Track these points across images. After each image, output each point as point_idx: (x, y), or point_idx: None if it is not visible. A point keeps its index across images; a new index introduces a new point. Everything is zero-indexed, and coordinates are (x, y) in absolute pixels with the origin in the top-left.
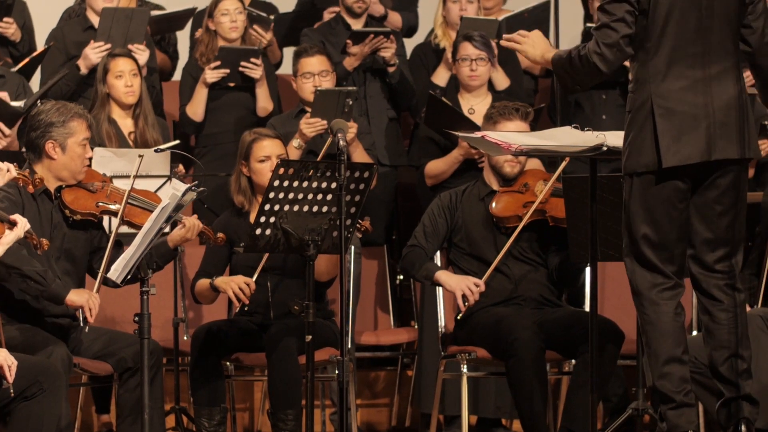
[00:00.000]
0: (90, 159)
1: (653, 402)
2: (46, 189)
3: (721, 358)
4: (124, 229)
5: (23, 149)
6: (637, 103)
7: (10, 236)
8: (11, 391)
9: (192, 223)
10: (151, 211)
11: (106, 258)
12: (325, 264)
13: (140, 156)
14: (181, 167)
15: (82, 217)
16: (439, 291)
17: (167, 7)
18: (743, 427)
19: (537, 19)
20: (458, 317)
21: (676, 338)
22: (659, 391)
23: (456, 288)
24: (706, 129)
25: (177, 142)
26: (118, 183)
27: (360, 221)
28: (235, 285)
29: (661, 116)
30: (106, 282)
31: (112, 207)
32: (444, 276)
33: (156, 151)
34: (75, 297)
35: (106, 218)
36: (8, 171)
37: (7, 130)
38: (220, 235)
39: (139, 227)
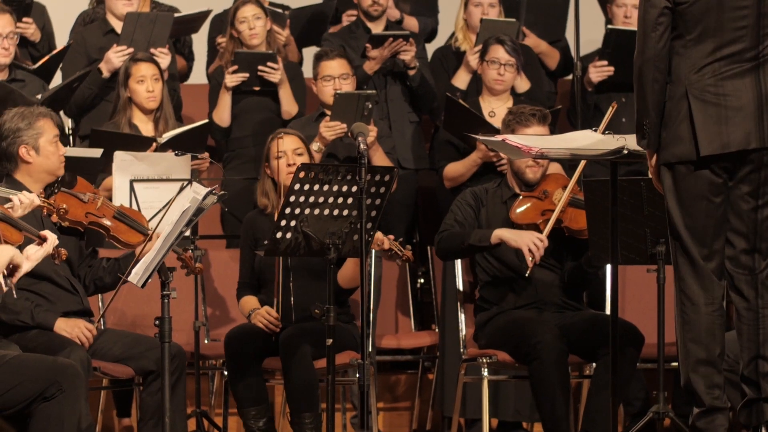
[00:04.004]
0: (65, 155)
1: (675, 404)
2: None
3: (745, 358)
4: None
5: None
6: (674, 94)
7: (40, 252)
8: (13, 292)
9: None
10: (139, 231)
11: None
12: (352, 270)
13: (186, 183)
14: (207, 158)
15: (70, 225)
16: (460, 292)
17: (180, 9)
18: (765, 431)
19: (556, 2)
20: (527, 274)
21: (712, 339)
22: (689, 391)
23: (522, 244)
24: (742, 120)
25: (206, 121)
26: (138, 186)
27: (402, 249)
28: (262, 318)
29: (698, 107)
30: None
31: (101, 220)
32: (506, 232)
33: (176, 154)
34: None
35: None
36: (33, 201)
37: None
38: (198, 265)
39: (124, 244)
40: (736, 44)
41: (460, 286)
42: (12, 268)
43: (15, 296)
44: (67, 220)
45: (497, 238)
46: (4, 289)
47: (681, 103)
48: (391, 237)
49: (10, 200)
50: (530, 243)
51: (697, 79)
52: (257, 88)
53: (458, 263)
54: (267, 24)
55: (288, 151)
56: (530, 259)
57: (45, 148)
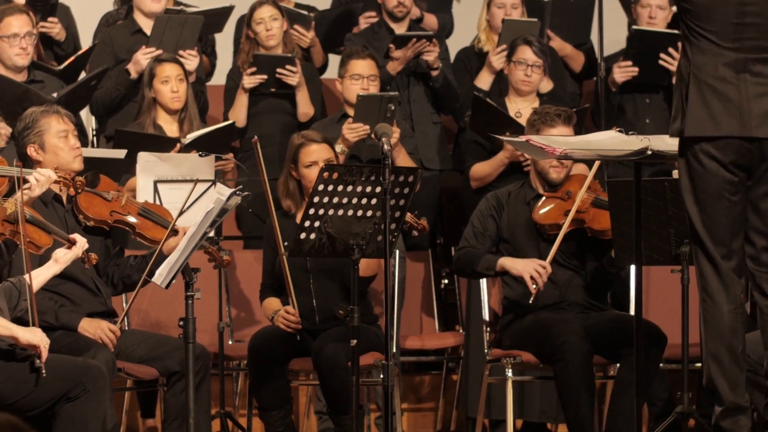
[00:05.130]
0: (79, 149)
1: (699, 405)
2: (56, 194)
3: None
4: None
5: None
6: (681, 74)
7: (69, 255)
8: (43, 371)
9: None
10: (164, 227)
11: (150, 264)
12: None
13: (195, 182)
14: (231, 159)
15: (95, 224)
16: (484, 295)
17: (201, 7)
18: None
19: (581, 6)
20: (530, 301)
21: (733, 337)
22: (711, 389)
23: (523, 271)
24: (739, 108)
25: (231, 122)
26: (162, 187)
27: (417, 221)
28: (282, 319)
29: (698, 89)
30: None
31: (126, 217)
32: (508, 262)
33: (200, 155)
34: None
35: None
36: (49, 177)
37: None
38: (226, 257)
39: (150, 240)
40: (752, 41)
41: (484, 286)
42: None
43: (44, 374)
44: (92, 219)
45: (500, 267)
46: (36, 363)
47: (683, 84)
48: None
49: (28, 181)
50: (532, 270)
51: (703, 63)
52: (273, 89)
53: None
54: (284, 25)
55: (320, 161)
56: (533, 286)
57: (51, 143)
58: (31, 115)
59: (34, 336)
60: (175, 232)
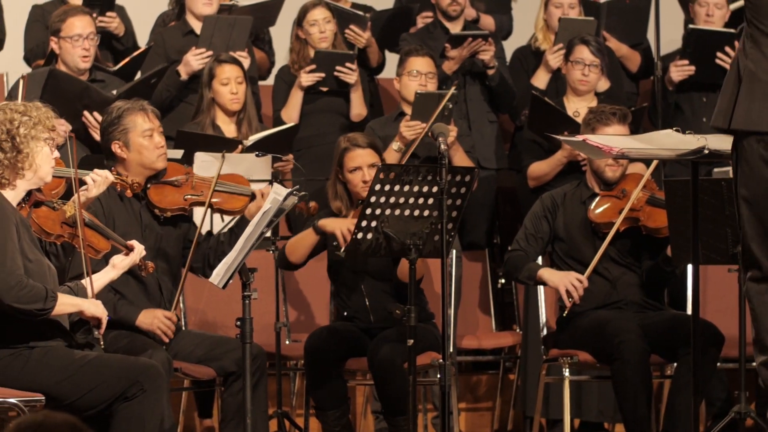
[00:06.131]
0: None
1: (757, 404)
2: None
3: None
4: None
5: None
6: (735, 70)
7: (126, 261)
8: (101, 342)
9: (268, 191)
10: (242, 194)
11: (192, 250)
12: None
13: (223, 156)
14: (291, 160)
15: (173, 214)
16: (541, 294)
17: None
18: None
19: (638, 7)
20: (564, 314)
21: None
22: (763, 382)
23: (560, 284)
24: None
25: (293, 124)
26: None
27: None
28: (343, 227)
29: (750, 85)
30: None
31: (200, 197)
32: (546, 273)
33: (257, 155)
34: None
35: (199, 212)
36: (106, 177)
37: (101, 118)
38: (312, 203)
39: (230, 212)
40: None
41: (541, 286)
42: (98, 322)
43: (103, 346)
44: (168, 210)
45: (539, 278)
46: (95, 334)
47: (733, 76)
48: None
49: (85, 183)
50: (568, 284)
51: (756, 56)
52: (325, 89)
53: (539, 262)
54: (334, 27)
55: (364, 167)
56: (569, 300)
57: (136, 142)
58: (117, 110)
59: (97, 308)
60: (253, 196)
